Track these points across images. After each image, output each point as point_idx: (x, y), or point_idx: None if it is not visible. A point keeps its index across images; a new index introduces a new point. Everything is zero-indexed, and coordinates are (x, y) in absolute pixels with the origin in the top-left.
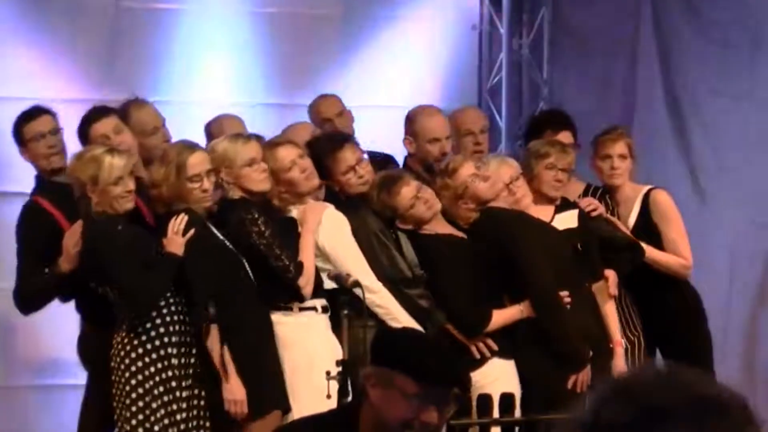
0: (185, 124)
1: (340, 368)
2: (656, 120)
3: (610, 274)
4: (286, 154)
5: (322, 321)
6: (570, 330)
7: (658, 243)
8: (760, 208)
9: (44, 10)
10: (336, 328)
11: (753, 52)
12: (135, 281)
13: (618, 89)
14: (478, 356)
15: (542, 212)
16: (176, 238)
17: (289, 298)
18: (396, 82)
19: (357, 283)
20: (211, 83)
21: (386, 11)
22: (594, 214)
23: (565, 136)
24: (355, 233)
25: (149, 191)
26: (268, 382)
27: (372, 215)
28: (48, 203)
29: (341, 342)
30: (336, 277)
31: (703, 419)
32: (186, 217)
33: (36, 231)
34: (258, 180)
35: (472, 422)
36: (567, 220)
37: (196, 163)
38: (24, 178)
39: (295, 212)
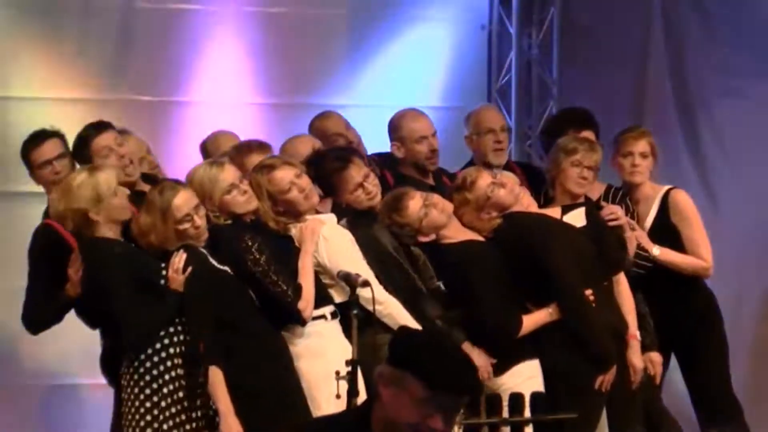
0: (195, 124)
1: (349, 368)
2: (666, 121)
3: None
4: (284, 175)
5: (334, 327)
6: (599, 331)
7: (675, 243)
8: None
9: (57, 11)
10: (346, 329)
11: (764, 53)
12: (131, 316)
13: (628, 89)
14: (486, 376)
15: (550, 214)
16: (176, 276)
17: (290, 323)
18: (405, 82)
19: (367, 283)
20: (222, 84)
21: (395, 11)
22: (613, 223)
23: (587, 135)
24: (366, 249)
25: (139, 241)
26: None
27: (384, 231)
28: (61, 226)
29: (350, 342)
30: (345, 276)
31: None
32: (184, 255)
33: (47, 254)
34: (242, 203)
35: (481, 422)
36: (574, 220)
37: (182, 203)
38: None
39: (294, 230)
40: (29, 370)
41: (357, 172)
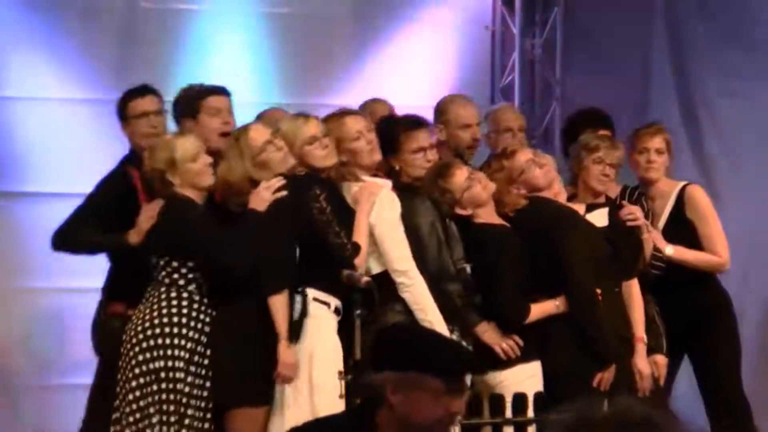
0: None
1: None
2: (669, 120)
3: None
4: (354, 123)
5: (332, 321)
6: (604, 329)
7: (691, 239)
8: None
9: (60, 10)
10: (346, 330)
11: (767, 54)
12: (225, 251)
13: (631, 89)
14: (503, 357)
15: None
16: (265, 193)
17: (338, 268)
18: (409, 82)
19: (369, 283)
20: (226, 83)
21: (399, 12)
22: (632, 224)
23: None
24: (406, 221)
25: (220, 191)
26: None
27: (427, 204)
28: (137, 175)
29: (353, 342)
30: (349, 277)
31: None
32: (283, 180)
33: (114, 191)
34: (320, 156)
35: (483, 422)
36: (596, 219)
37: (256, 135)
38: (36, 177)
39: (355, 188)
40: (29, 369)
41: (425, 136)
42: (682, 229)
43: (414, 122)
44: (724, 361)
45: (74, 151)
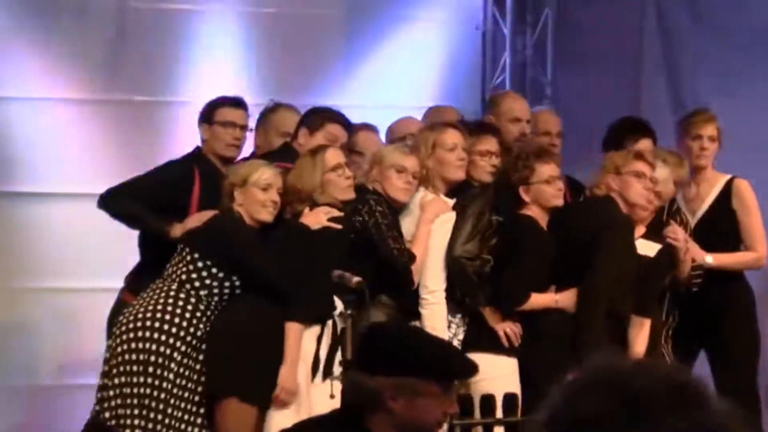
0: (188, 124)
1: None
2: (660, 120)
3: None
4: (453, 136)
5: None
6: (597, 335)
7: (728, 230)
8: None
9: (50, 11)
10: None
11: (758, 53)
12: (283, 277)
13: (622, 90)
14: (506, 342)
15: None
16: (322, 216)
17: (400, 284)
18: (399, 83)
19: (360, 284)
20: (216, 84)
21: (390, 12)
22: (673, 242)
23: (644, 144)
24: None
25: (287, 197)
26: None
27: (482, 200)
28: (198, 172)
29: (344, 342)
30: (340, 277)
31: (687, 407)
32: (341, 213)
33: (171, 178)
34: (399, 188)
35: (474, 422)
36: (646, 249)
37: (332, 156)
38: (31, 177)
39: (423, 195)
40: (30, 369)
41: (493, 141)
42: (724, 218)
43: (491, 128)
44: (741, 356)
45: (65, 150)
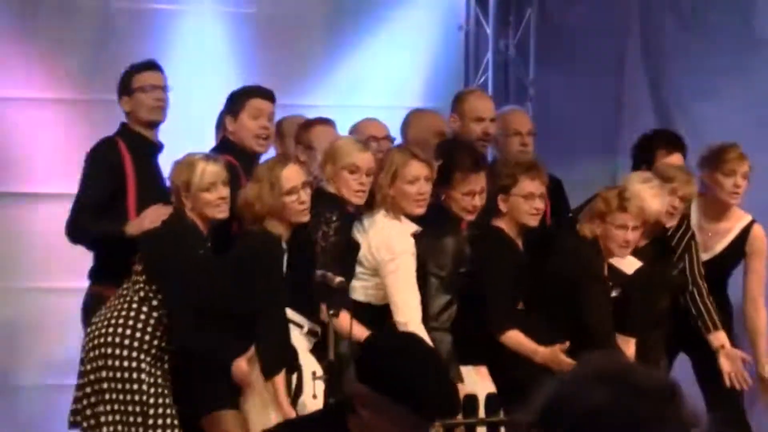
0: (175, 125)
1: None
2: (644, 121)
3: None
4: (419, 169)
5: (303, 342)
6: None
7: (731, 270)
8: (753, 213)
9: (37, 10)
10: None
11: (741, 54)
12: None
13: (605, 90)
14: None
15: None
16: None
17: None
18: (382, 82)
19: (342, 283)
20: (199, 82)
21: (371, 11)
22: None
23: (676, 158)
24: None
25: (244, 212)
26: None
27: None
28: (124, 146)
29: (327, 343)
30: (322, 277)
31: (679, 398)
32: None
33: (105, 162)
34: (353, 190)
35: (456, 422)
36: (628, 266)
37: (291, 175)
38: (14, 177)
39: (378, 216)
40: (30, 369)
41: (479, 179)
42: (735, 260)
43: (478, 163)
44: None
45: (48, 150)
